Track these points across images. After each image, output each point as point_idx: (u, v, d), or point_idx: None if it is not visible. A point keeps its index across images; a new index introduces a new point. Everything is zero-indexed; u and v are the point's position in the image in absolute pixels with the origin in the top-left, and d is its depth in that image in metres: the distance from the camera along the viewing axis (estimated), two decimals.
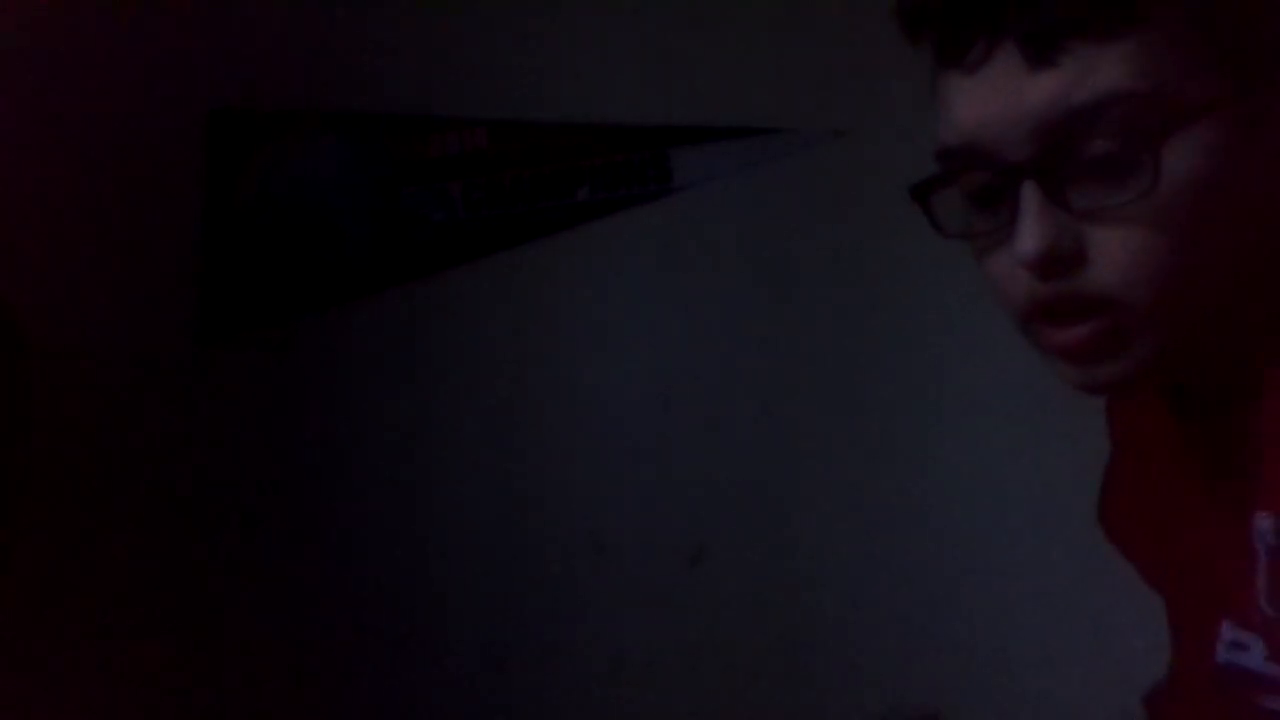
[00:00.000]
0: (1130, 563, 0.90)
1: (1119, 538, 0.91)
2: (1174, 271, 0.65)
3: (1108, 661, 1.75)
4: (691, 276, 2.13)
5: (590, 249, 2.15)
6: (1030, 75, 0.65)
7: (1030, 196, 0.66)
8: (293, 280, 2.20)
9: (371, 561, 2.17)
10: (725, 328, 2.13)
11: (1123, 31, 0.64)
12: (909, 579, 2.03)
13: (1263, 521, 0.66)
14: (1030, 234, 0.66)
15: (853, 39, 2.09)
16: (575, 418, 2.15)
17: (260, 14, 2.19)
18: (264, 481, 2.17)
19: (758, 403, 2.11)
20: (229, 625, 2.15)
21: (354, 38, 2.19)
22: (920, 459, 2.04)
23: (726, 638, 2.09)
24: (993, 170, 0.69)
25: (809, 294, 2.10)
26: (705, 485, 2.11)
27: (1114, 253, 0.65)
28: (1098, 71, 0.64)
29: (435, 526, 2.17)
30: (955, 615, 2.00)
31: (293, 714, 2.14)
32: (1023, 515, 1.97)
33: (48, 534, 2.11)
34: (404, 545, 2.17)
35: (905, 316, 2.06)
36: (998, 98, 0.67)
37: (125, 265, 2.18)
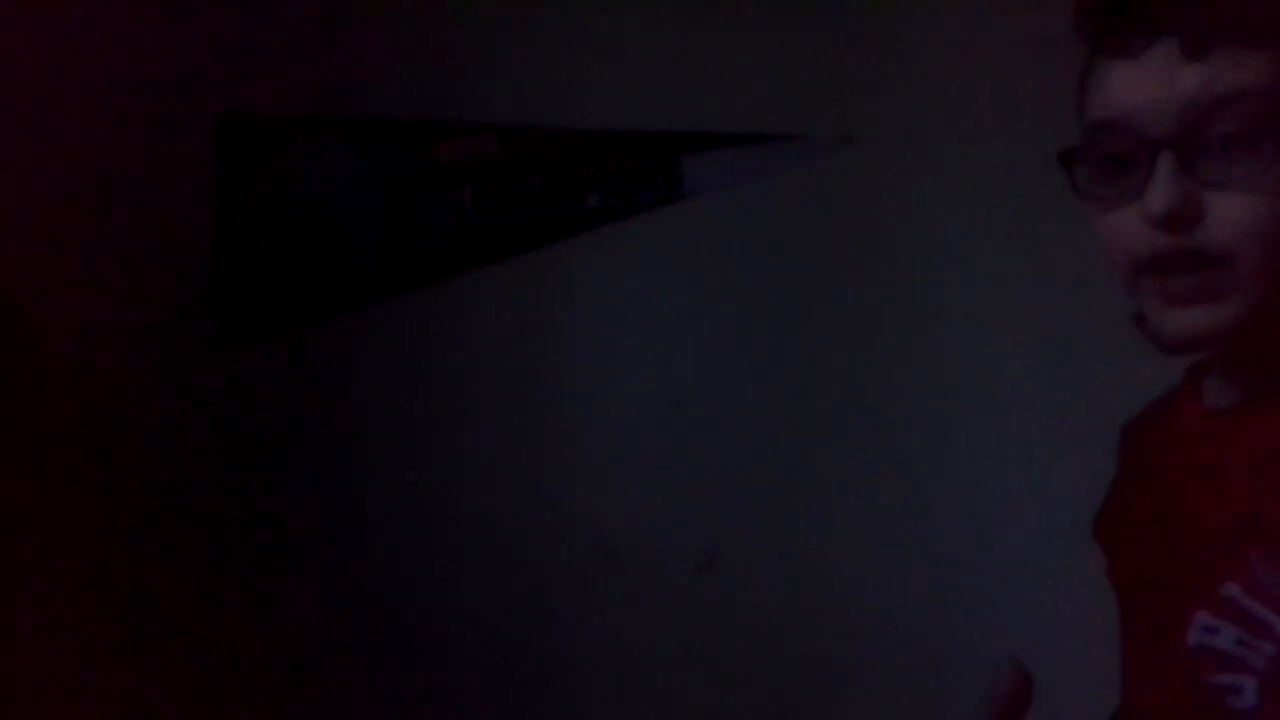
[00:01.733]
0: (1114, 571, 1.01)
1: (1113, 550, 1.03)
2: (1273, 236, 0.81)
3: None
4: (701, 282, 2.14)
5: (600, 255, 2.15)
6: (1184, 65, 0.81)
7: (1165, 164, 0.81)
8: (304, 286, 2.20)
9: (382, 565, 2.17)
10: (735, 333, 2.13)
11: (1263, 44, 0.80)
12: (922, 584, 2.02)
13: None
14: (1163, 194, 0.81)
15: (862, 46, 2.09)
16: (585, 423, 2.15)
17: (270, 20, 2.20)
18: (276, 484, 2.18)
19: (768, 408, 2.11)
20: (238, 626, 2.16)
21: (364, 43, 2.20)
22: (931, 464, 2.04)
23: (738, 644, 2.09)
24: (1135, 142, 0.83)
25: (819, 299, 2.10)
26: (716, 491, 2.10)
27: (1229, 213, 0.81)
28: (1240, 69, 0.80)
29: (445, 530, 2.17)
30: (968, 620, 2.00)
31: (300, 715, 2.15)
32: (1035, 519, 1.96)
33: (62, 534, 2.12)
34: (414, 549, 2.17)
35: (915, 321, 2.06)
36: (1154, 81, 0.82)
37: (138, 272, 2.19)
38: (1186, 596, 0.84)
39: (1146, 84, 0.83)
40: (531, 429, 2.16)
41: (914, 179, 2.04)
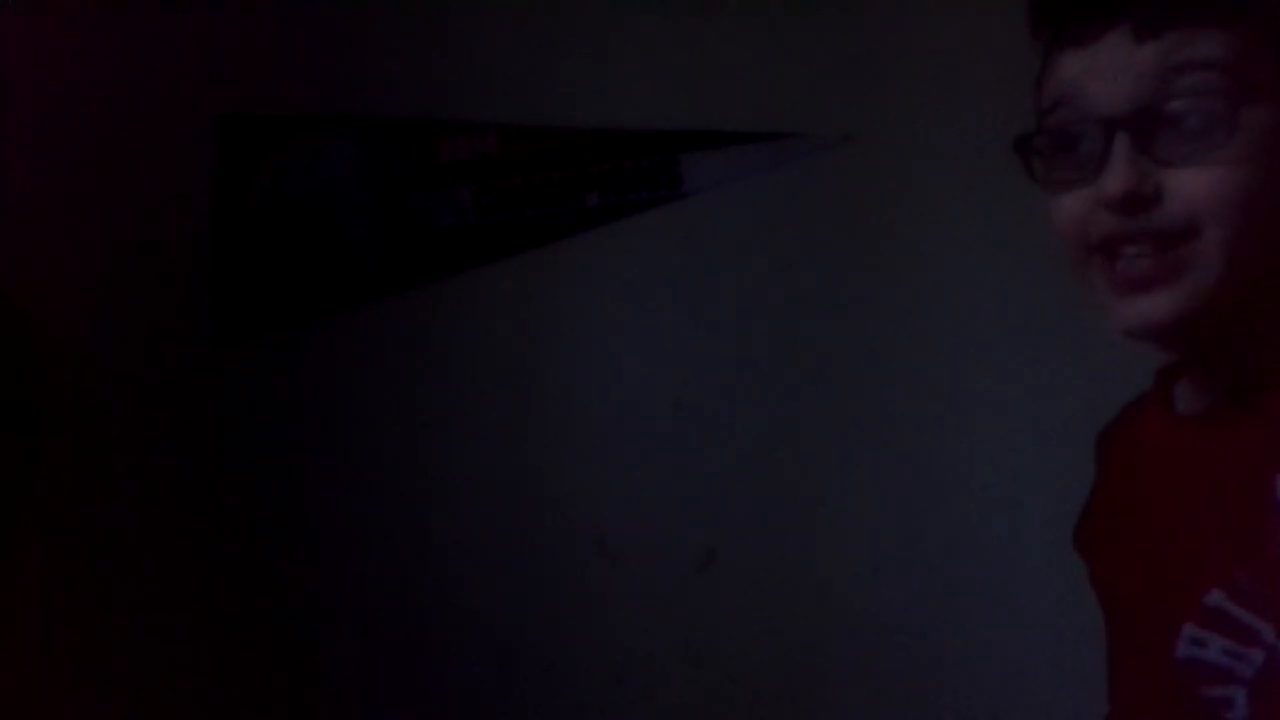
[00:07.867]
0: (1096, 581, 1.02)
1: (1094, 559, 1.03)
2: (1234, 210, 0.79)
3: None
4: (701, 281, 2.14)
5: (600, 254, 2.16)
6: (1138, 45, 0.81)
7: (1121, 145, 0.80)
8: (304, 284, 2.21)
9: (380, 563, 2.17)
10: (735, 332, 2.13)
11: (1216, 23, 0.79)
12: (920, 583, 2.02)
13: None
14: (1119, 176, 0.80)
15: (862, 44, 2.09)
16: (585, 421, 2.15)
17: (270, 19, 2.20)
18: (275, 482, 2.18)
19: (767, 406, 2.11)
20: (238, 624, 2.16)
21: (364, 42, 2.20)
22: (932, 462, 2.04)
23: (737, 643, 2.09)
24: (1091, 123, 0.82)
25: (819, 298, 2.10)
26: (715, 489, 2.10)
27: (1186, 188, 0.79)
28: (1193, 44, 0.79)
29: (444, 528, 2.17)
30: (968, 621, 2.00)
31: (299, 714, 2.15)
32: (1036, 518, 1.96)
33: (62, 532, 2.12)
34: (413, 547, 2.17)
35: (915, 320, 2.05)
36: (1107, 60, 0.82)
37: (138, 270, 2.19)
38: (1171, 607, 0.84)
39: (1101, 65, 0.82)
40: (531, 428, 2.16)
41: (914, 178, 2.04)
